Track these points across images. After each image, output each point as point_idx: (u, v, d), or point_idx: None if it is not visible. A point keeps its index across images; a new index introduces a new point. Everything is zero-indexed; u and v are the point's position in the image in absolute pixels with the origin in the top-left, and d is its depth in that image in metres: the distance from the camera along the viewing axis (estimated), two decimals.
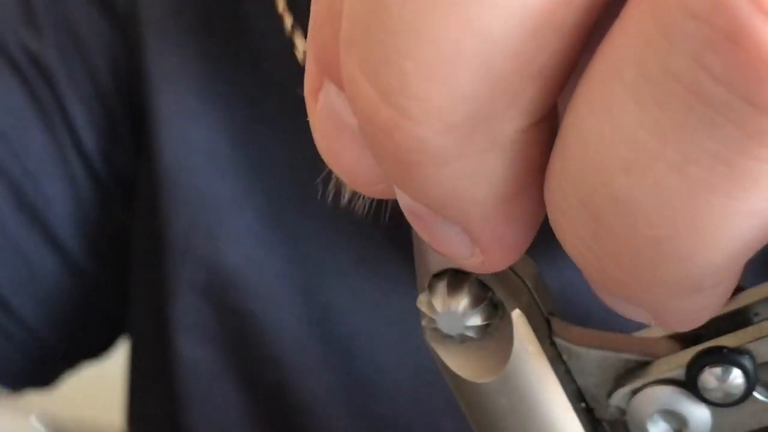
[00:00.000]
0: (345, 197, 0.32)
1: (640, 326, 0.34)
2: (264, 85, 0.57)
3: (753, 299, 0.32)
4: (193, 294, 0.57)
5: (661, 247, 0.23)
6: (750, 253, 0.23)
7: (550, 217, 0.25)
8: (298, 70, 0.55)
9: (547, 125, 0.25)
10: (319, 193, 0.32)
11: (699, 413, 0.31)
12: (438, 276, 0.31)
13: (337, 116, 0.26)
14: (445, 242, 0.27)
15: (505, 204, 0.25)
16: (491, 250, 0.27)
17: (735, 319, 0.32)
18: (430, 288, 0.31)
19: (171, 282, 0.58)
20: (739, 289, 0.33)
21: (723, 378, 0.30)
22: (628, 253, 0.23)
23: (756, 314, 0.32)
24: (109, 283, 0.64)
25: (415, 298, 0.32)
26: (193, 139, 0.57)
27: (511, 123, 0.24)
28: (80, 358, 0.70)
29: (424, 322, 0.32)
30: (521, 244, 0.27)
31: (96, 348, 0.70)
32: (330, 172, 0.28)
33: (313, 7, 0.26)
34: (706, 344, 0.31)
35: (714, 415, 0.31)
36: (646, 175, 0.22)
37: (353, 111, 0.25)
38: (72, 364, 0.70)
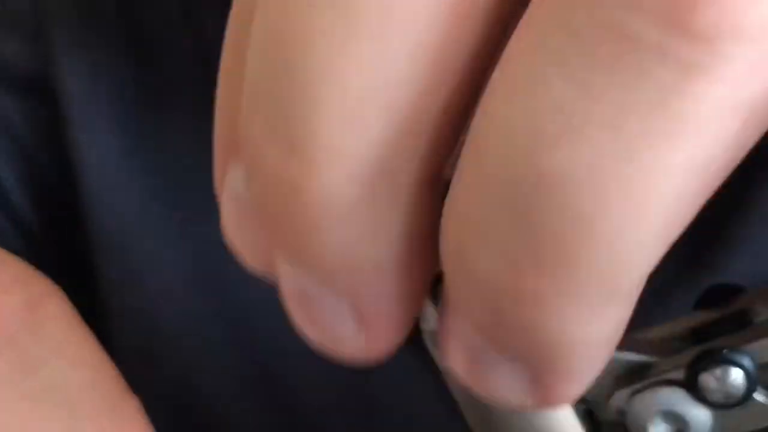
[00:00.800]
0: None
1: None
2: (190, 147, 0.58)
3: (753, 300, 0.32)
4: (131, 352, 0.57)
5: (591, 227, 0.22)
6: (677, 230, 0.23)
7: (450, 247, 0.24)
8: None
9: (441, 182, 0.25)
10: None
11: (699, 414, 0.31)
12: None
13: (240, 199, 0.27)
14: (327, 323, 0.27)
15: (399, 268, 0.25)
16: (377, 325, 0.27)
17: (736, 320, 0.32)
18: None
19: (109, 345, 0.58)
20: (739, 291, 0.33)
21: (723, 379, 0.30)
22: (551, 247, 0.22)
23: (756, 315, 0.32)
24: None
25: None
26: (120, 206, 0.58)
27: (415, 171, 0.24)
28: None
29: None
30: (406, 321, 0.27)
31: None
32: None
33: (218, 91, 0.27)
34: (707, 345, 0.31)
35: (714, 417, 0.31)
36: (578, 142, 0.21)
37: (254, 181, 0.25)
38: None
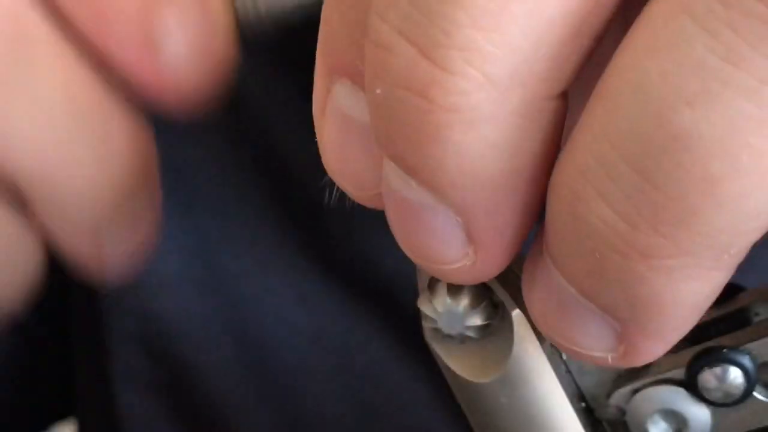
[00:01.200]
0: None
1: None
2: (189, 145, 0.58)
3: (753, 299, 0.32)
4: (126, 344, 0.58)
5: (718, 188, 0.22)
6: None
7: (563, 192, 0.24)
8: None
9: (566, 103, 0.25)
10: (326, 197, 0.32)
11: (699, 413, 0.31)
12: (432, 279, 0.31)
13: (346, 117, 0.26)
14: (434, 238, 0.26)
15: (517, 186, 0.25)
16: (487, 246, 0.26)
17: (735, 319, 0.32)
18: (431, 288, 0.31)
19: (106, 335, 0.59)
20: (739, 290, 0.33)
21: (723, 378, 0.30)
22: (674, 205, 0.23)
23: (756, 314, 0.32)
24: (52, 343, 0.64)
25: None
26: None
27: (547, 87, 0.24)
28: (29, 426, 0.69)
29: (424, 323, 0.32)
30: (516, 243, 0.27)
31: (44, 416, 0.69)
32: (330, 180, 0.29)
33: (324, 14, 0.26)
34: (706, 344, 0.31)
35: (714, 415, 0.31)
36: (716, 105, 0.21)
37: (377, 85, 0.24)
38: None
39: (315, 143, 0.28)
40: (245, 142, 0.56)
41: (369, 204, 0.28)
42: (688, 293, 0.25)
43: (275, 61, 0.53)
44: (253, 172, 0.56)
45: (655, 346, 0.27)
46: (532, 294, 0.27)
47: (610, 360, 0.27)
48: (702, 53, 0.21)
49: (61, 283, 0.62)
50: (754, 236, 0.24)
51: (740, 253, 0.24)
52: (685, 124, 0.22)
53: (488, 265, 0.27)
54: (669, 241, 0.23)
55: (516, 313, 0.31)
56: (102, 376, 0.60)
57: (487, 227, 0.26)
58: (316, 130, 0.27)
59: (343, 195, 0.30)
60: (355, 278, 0.55)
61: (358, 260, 0.54)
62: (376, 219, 0.53)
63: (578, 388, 0.32)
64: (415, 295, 0.51)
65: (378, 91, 0.24)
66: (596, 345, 0.27)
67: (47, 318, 0.64)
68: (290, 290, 0.55)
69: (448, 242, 0.26)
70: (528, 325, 0.31)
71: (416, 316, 0.51)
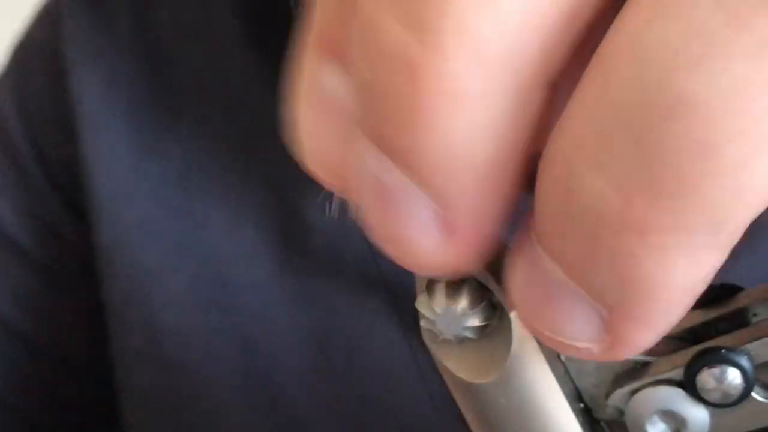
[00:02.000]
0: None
1: None
2: (197, 160, 0.59)
3: (752, 299, 0.32)
4: (133, 359, 0.59)
5: (718, 156, 0.21)
6: None
7: (555, 166, 0.23)
8: (230, 145, 0.57)
9: (551, 96, 0.24)
10: (327, 211, 0.32)
11: (697, 414, 0.31)
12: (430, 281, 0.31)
13: (328, 100, 0.26)
14: (409, 227, 0.25)
15: (500, 174, 0.24)
16: (463, 233, 0.25)
17: (734, 320, 0.32)
18: (428, 289, 0.31)
19: (113, 351, 0.60)
20: (737, 290, 0.33)
21: (721, 378, 0.30)
22: (672, 174, 0.22)
23: (755, 314, 0.32)
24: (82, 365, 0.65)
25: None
26: (126, 216, 0.59)
27: (540, 71, 0.23)
28: None
29: (422, 323, 0.32)
30: (491, 236, 0.26)
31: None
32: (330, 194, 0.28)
33: None
34: (705, 344, 0.31)
35: (712, 416, 0.31)
36: (718, 69, 0.21)
37: (365, 61, 0.23)
38: None
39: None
40: (254, 159, 0.56)
41: (346, 195, 0.27)
42: (680, 274, 0.24)
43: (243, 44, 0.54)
44: (261, 189, 0.56)
45: (642, 335, 0.26)
46: (515, 279, 0.26)
47: (594, 351, 0.26)
48: (705, 14, 0.21)
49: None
50: (751, 213, 0.23)
51: (736, 232, 0.23)
52: (686, 89, 0.21)
53: (464, 254, 0.26)
54: (664, 215, 0.23)
55: (515, 314, 0.31)
56: (109, 395, 0.60)
57: (465, 215, 0.25)
58: (294, 113, 0.26)
59: (342, 208, 0.30)
60: (363, 276, 0.55)
61: (366, 258, 0.54)
62: None
63: (577, 388, 0.32)
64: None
65: (364, 70, 0.24)
66: (581, 334, 0.26)
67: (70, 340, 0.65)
68: (299, 296, 0.56)
69: (422, 231, 0.25)
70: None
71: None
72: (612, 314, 0.25)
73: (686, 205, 0.22)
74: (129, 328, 0.58)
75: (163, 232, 0.58)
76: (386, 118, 0.24)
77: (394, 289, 0.54)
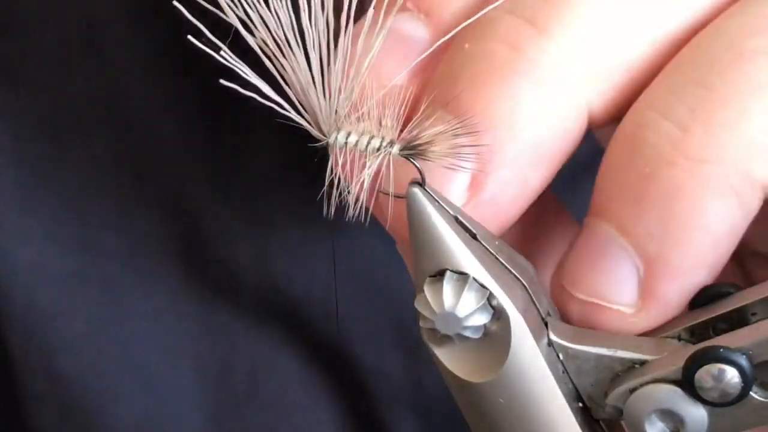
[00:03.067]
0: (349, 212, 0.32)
1: None
2: (89, 186, 0.57)
3: (751, 299, 0.32)
4: (35, 403, 0.58)
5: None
6: None
7: (631, 124, 0.31)
8: (138, 161, 0.55)
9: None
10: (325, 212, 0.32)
11: (696, 413, 0.31)
12: (435, 277, 0.31)
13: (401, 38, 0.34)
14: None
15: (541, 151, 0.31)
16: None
17: (732, 319, 0.32)
18: (428, 289, 0.31)
19: (15, 395, 0.58)
20: (737, 289, 0.33)
21: (720, 377, 0.30)
22: (727, 105, 0.30)
23: (753, 314, 0.32)
24: None
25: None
26: (17, 257, 0.57)
27: (601, 99, 0.32)
28: None
29: (422, 323, 0.32)
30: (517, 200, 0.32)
31: None
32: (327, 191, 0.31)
33: None
34: (703, 344, 0.31)
35: (711, 415, 0.31)
36: None
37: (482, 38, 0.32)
38: None
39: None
40: (147, 177, 0.55)
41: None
42: (717, 214, 0.30)
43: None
44: (156, 209, 0.55)
45: (672, 287, 0.31)
46: (572, 252, 0.32)
47: (627, 314, 0.32)
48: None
49: None
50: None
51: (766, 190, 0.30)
52: (754, 46, 0.29)
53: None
54: (715, 143, 0.29)
55: (513, 314, 0.31)
56: None
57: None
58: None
59: (339, 209, 0.31)
60: (262, 305, 0.55)
61: (265, 287, 0.54)
62: (285, 245, 0.53)
63: (575, 387, 0.32)
64: (320, 320, 0.52)
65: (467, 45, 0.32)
66: (619, 295, 0.32)
67: None
68: (198, 325, 0.55)
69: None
70: (525, 326, 0.31)
71: (320, 342, 0.53)
72: (650, 268, 0.31)
73: (734, 138, 0.29)
74: (29, 372, 0.57)
75: (57, 269, 0.56)
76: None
77: (291, 319, 0.54)
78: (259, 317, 0.55)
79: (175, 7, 0.30)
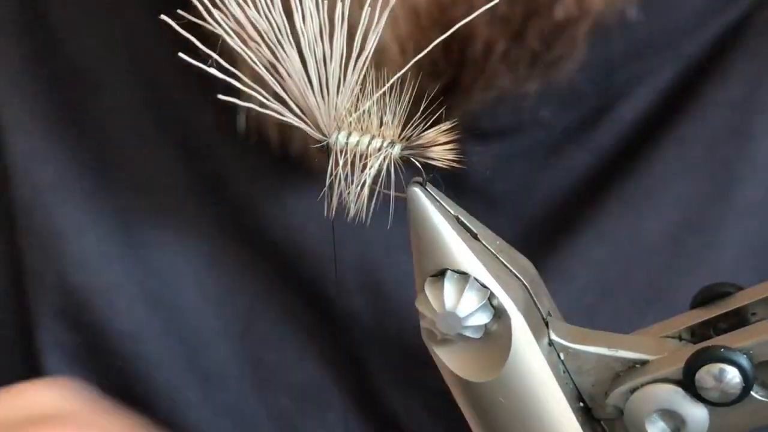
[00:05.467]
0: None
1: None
2: (113, 116, 0.59)
3: (751, 299, 0.32)
4: (51, 316, 0.60)
5: None
6: None
7: None
8: (153, 96, 0.58)
9: None
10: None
11: (697, 412, 0.31)
12: (436, 277, 0.31)
13: None
14: None
15: None
16: None
17: (733, 319, 0.32)
18: (429, 289, 0.31)
19: (33, 311, 0.61)
20: (737, 289, 0.33)
21: (720, 377, 0.30)
22: None
23: (754, 314, 0.32)
24: None
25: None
26: (40, 177, 0.60)
27: None
28: None
29: (422, 323, 0.32)
30: None
31: None
32: None
33: None
34: (704, 343, 0.31)
35: (711, 415, 0.31)
36: None
37: None
38: None
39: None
40: (165, 125, 0.58)
41: None
42: None
43: None
44: (173, 146, 0.58)
45: None
46: None
47: None
48: None
49: None
50: None
51: None
52: None
53: None
54: None
55: (514, 314, 0.31)
56: (27, 352, 0.61)
57: None
58: None
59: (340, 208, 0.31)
60: (259, 246, 0.57)
61: (264, 228, 0.57)
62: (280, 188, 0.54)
63: (576, 387, 0.32)
64: (311, 260, 0.55)
65: None
66: None
67: None
68: (203, 259, 0.58)
69: None
70: (526, 326, 0.31)
71: (311, 278, 0.55)
72: None
73: None
74: (46, 288, 0.60)
75: (75, 189, 0.59)
76: None
77: (311, 289, 0.56)
78: (255, 257, 0.58)
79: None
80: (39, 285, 0.60)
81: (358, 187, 0.32)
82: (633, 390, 0.32)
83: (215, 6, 0.31)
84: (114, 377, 0.60)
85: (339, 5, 0.30)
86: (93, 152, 0.59)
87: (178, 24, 0.31)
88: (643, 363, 0.32)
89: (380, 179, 0.32)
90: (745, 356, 0.30)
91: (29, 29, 0.60)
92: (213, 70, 0.31)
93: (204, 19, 0.31)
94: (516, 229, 0.53)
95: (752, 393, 0.31)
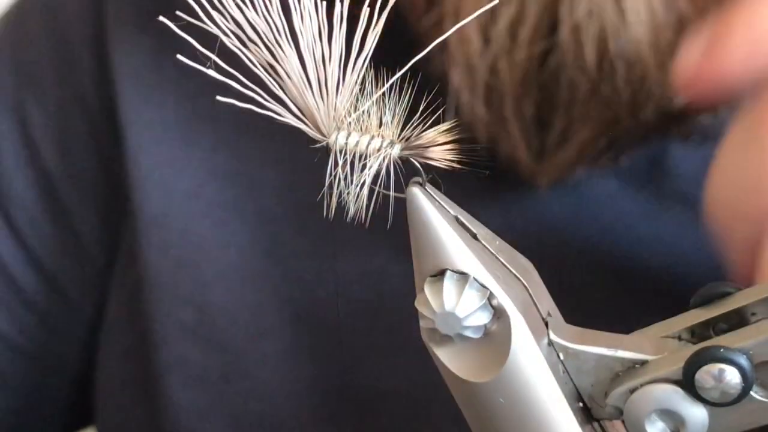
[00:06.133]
0: (349, 211, 0.32)
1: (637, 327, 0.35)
2: (249, 125, 0.57)
3: (751, 299, 0.32)
4: (181, 334, 0.58)
5: None
6: None
7: None
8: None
9: None
10: (324, 212, 0.32)
11: (696, 412, 0.31)
12: (435, 277, 0.31)
13: None
14: None
15: None
16: None
17: (732, 319, 0.32)
18: (428, 289, 0.31)
19: (158, 326, 0.58)
20: (737, 289, 0.33)
21: (720, 377, 0.30)
22: None
23: (753, 314, 0.32)
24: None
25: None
26: (176, 185, 0.58)
27: None
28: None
29: (422, 323, 0.32)
30: None
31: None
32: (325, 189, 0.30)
33: None
34: (704, 344, 0.31)
35: (711, 415, 0.31)
36: None
37: None
38: None
39: None
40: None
41: None
42: None
43: None
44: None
45: None
46: None
47: None
48: None
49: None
50: None
51: None
52: None
53: None
54: None
55: (514, 314, 0.31)
56: (146, 372, 0.59)
57: None
58: None
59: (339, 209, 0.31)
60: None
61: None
62: None
63: (576, 387, 0.32)
64: None
65: None
66: None
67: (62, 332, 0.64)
68: (353, 268, 0.55)
69: None
70: (526, 326, 0.31)
71: None
72: None
73: None
74: (180, 301, 0.57)
75: (215, 200, 0.57)
76: None
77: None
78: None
79: None
80: (169, 299, 0.57)
81: (358, 188, 0.32)
82: (632, 390, 0.32)
83: (214, 8, 0.31)
84: (234, 400, 0.57)
85: (338, 5, 0.30)
86: (229, 155, 0.57)
87: (177, 26, 0.31)
88: (643, 363, 0.32)
89: (380, 179, 0.32)
90: (744, 356, 0.30)
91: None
92: (212, 72, 0.31)
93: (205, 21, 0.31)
94: None
95: (752, 393, 0.31)
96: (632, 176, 0.52)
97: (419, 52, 0.32)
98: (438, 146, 0.31)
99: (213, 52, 0.31)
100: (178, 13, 0.31)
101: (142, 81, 0.59)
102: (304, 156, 0.55)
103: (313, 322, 0.56)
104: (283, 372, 0.56)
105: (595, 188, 0.52)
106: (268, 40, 0.31)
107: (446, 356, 0.32)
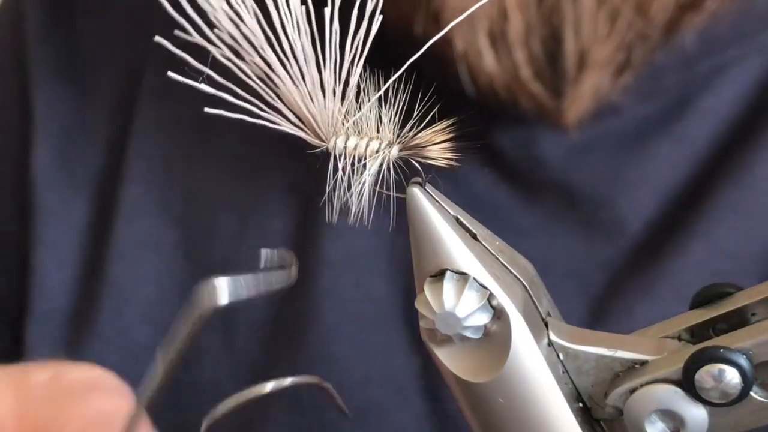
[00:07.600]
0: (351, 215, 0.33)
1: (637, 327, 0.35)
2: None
3: (751, 299, 0.32)
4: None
5: None
6: None
7: None
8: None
9: None
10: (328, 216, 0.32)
11: (696, 413, 0.31)
12: (435, 277, 0.31)
13: None
14: None
15: None
16: None
17: (732, 319, 0.32)
18: (428, 289, 0.31)
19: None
20: (737, 289, 0.33)
21: (720, 377, 0.30)
22: None
23: (753, 314, 0.32)
24: None
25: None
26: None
27: None
28: None
29: (422, 323, 0.32)
30: None
31: None
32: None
33: None
34: (704, 344, 0.31)
35: (711, 415, 0.31)
36: None
37: None
38: None
39: None
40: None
41: None
42: None
43: None
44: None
45: None
46: None
47: None
48: None
49: None
50: None
51: None
52: None
53: None
54: None
55: (514, 314, 0.31)
56: None
57: None
58: None
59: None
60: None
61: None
62: None
63: (575, 387, 0.32)
64: None
65: None
66: None
67: None
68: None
69: None
70: (525, 326, 0.31)
71: None
72: None
73: None
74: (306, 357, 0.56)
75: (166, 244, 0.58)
76: None
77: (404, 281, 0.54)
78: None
79: None
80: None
81: (358, 189, 0.32)
82: (632, 390, 0.32)
83: (210, 25, 0.31)
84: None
85: (327, 9, 0.30)
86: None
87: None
88: (643, 363, 0.32)
89: (379, 180, 0.32)
90: (744, 356, 0.30)
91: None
92: (204, 87, 0.31)
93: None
94: (601, 218, 0.52)
95: (752, 393, 0.31)
96: (506, 167, 0.53)
97: (412, 52, 0.32)
98: (435, 145, 0.31)
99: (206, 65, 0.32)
100: (176, 32, 0.31)
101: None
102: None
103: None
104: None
105: (473, 181, 0.53)
106: (263, 51, 0.31)
107: (446, 356, 0.32)
